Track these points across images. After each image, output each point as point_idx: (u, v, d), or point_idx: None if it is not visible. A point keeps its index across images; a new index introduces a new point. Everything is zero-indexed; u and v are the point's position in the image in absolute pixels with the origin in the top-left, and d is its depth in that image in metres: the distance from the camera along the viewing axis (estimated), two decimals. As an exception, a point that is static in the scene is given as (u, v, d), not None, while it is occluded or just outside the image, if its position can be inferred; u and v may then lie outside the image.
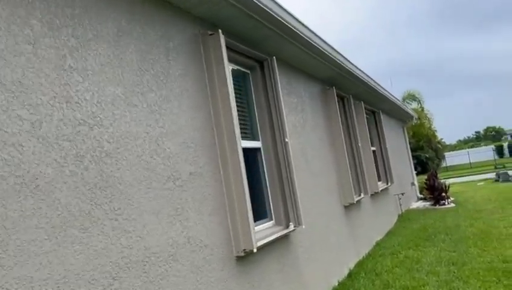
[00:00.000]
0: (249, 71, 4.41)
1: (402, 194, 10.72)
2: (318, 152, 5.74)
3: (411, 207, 12.75)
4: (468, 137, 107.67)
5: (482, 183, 21.07)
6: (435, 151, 44.93)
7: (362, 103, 8.38)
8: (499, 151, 47.99)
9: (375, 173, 8.24)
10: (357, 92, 8.23)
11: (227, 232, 3.26)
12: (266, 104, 4.39)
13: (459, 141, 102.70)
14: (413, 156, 40.94)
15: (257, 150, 4.31)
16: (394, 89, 19.70)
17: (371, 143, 9.94)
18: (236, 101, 4.26)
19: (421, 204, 13.32)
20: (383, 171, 9.99)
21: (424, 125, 18.42)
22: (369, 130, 9.99)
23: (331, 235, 5.55)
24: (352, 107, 7.48)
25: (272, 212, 4.27)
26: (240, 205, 3.27)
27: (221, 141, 3.36)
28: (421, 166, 41.59)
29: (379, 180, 9.68)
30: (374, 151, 9.90)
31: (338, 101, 7.32)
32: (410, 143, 39.75)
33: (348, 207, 6.46)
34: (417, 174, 37.25)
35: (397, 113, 13.22)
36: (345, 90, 7.53)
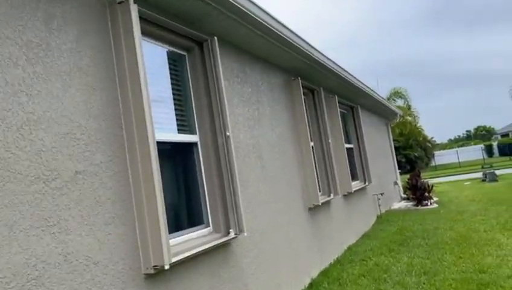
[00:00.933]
0: (185, 53, 3.80)
1: (381, 194, 10.20)
2: (277, 149, 5.16)
3: (393, 207, 12.25)
4: (459, 136, 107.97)
5: (468, 183, 20.68)
6: (424, 150, 44.70)
7: (336, 97, 7.81)
8: (489, 150, 47.81)
9: (349, 172, 7.69)
10: (331, 85, 7.66)
11: (134, 244, 2.66)
12: (206, 92, 3.79)
13: (450, 140, 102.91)
14: (402, 155, 40.88)
15: (193, 145, 3.71)
16: (384, 88, 19.21)
17: (348, 140, 9.40)
18: (172, 88, 3.68)
19: (403, 204, 12.83)
20: (360, 170, 9.45)
21: (407, 123, 17.90)
22: (346, 126, 9.45)
23: (289, 242, 4.98)
24: (323, 100, 6.90)
25: (210, 217, 3.68)
26: (151, 211, 2.67)
27: (130, 132, 2.75)
28: (409, 165, 41.38)
29: (355, 179, 9.14)
30: (350, 149, 9.36)
31: (306, 93, 6.74)
32: (399, 141, 39.73)
33: (313, 209, 5.89)
34: (405, 173, 37.01)
35: (380, 110, 12.69)
36: (315, 83, 6.95)
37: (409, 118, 18.06)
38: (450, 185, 20.25)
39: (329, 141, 6.80)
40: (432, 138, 55.67)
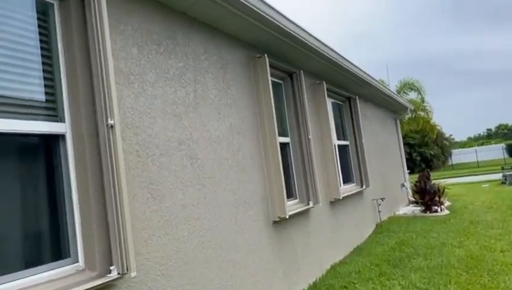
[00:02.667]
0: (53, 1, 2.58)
1: (382, 199, 8.85)
2: (225, 146, 3.91)
3: (397, 213, 10.88)
4: (479, 134, 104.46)
5: (486, 185, 19.06)
6: (441, 148, 42.88)
7: (324, 83, 6.49)
8: (510, 150, 45.42)
9: (337, 174, 6.39)
10: (316, 69, 6.36)
11: None
12: (84, 57, 2.56)
13: (470, 138, 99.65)
14: (417, 153, 39.12)
15: (58, 137, 2.49)
16: (397, 81, 17.59)
17: (344, 136, 8.08)
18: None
19: (410, 209, 11.43)
20: (357, 172, 8.12)
21: (419, 119, 16.30)
22: (341, 119, 8.12)
23: (234, 268, 3.74)
24: (303, 87, 5.61)
25: (80, 249, 2.46)
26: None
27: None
28: (425, 163, 39.64)
29: (349, 182, 7.82)
30: (345, 147, 8.04)
31: (280, 76, 5.46)
32: (414, 139, 37.96)
33: (280, 223, 4.64)
34: (420, 172, 35.44)
35: (386, 103, 11.28)
36: (294, 64, 5.66)
37: (422, 113, 16.48)
38: (466, 188, 18.67)
39: (309, 136, 5.51)
40: (451, 135, 53.56)
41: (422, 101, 16.54)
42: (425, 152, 39.44)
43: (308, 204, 5.41)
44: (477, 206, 11.25)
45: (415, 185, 10.98)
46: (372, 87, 8.63)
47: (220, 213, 3.65)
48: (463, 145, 68.98)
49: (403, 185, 12.36)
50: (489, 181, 20.86)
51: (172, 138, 3.22)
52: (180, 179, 3.22)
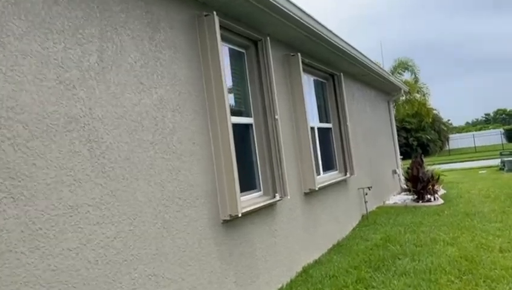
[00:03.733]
0: None
1: (369, 188, 8.01)
2: (151, 124, 3.02)
3: (387, 202, 10.06)
4: (477, 119, 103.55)
5: (484, 171, 18.28)
6: (438, 133, 42.00)
7: (299, 55, 5.56)
8: (509, 135, 44.52)
9: (313, 161, 5.51)
10: (290, 38, 5.43)
11: None
12: None
13: (468, 123, 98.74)
14: (413, 138, 38.27)
15: None
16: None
17: (325, 118, 7.19)
18: None
19: (402, 198, 10.63)
20: (340, 158, 7.25)
21: (414, 101, 15.31)
22: (324, 99, 7.23)
23: (146, 287, 2.89)
24: (270, 57, 4.68)
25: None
26: None
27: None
28: (421, 148, 38.79)
29: (330, 169, 6.96)
30: (327, 130, 7.15)
31: (239, 43, 4.54)
32: (411, 123, 37.05)
33: (232, 223, 3.78)
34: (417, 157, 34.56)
35: (378, 83, 10.35)
36: (259, 30, 4.74)
37: (417, 95, 15.50)
38: (463, 174, 17.89)
39: (276, 117, 4.62)
40: (448, 120, 52.58)
41: (415, 81, 15.50)
42: (422, 137, 38.58)
43: (274, 197, 4.56)
44: (473, 195, 10.45)
45: (407, 173, 10.14)
46: (359, 64, 7.70)
47: (138, 214, 2.78)
48: (460, 130, 68.14)
49: (394, 172, 11.53)
50: (486, 167, 20.08)
51: (55, 114, 2.32)
52: (67, 170, 2.34)
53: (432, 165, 19.58)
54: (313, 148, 5.95)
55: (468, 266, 4.68)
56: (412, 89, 14.89)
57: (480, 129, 65.32)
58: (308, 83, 6.49)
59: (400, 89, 12.05)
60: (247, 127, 4.58)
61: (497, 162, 20.21)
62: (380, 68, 9.01)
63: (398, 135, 37.67)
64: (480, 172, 18.26)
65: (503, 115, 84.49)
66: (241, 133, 4.55)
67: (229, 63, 4.51)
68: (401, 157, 13.22)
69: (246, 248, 3.99)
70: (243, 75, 4.64)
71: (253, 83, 4.65)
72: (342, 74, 7.37)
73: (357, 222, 7.61)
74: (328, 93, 7.34)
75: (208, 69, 3.71)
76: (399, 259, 5.20)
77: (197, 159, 3.46)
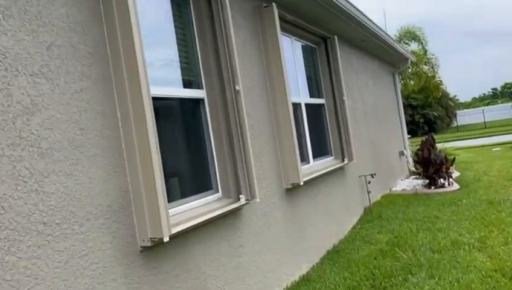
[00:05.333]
0: None
1: (372, 175, 6.69)
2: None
3: (394, 189, 8.76)
4: (484, 94, 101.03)
5: (498, 149, 16.88)
6: (445, 109, 40.30)
7: (275, 7, 4.16)
8: (518, 109, 42.77)
9: (296, 147, 4.16)
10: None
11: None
12: None
13: (475, 98, 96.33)
14: (420, 115, 36.72)
15: None
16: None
17: (317, 92, 5.85)
18: None
19: (411, 183, 9.31)
20: (336, 141, 5.92)
21: (422, 74, 13.78)
22: (314, 69, 5.87)
23: None
24: (228, 9, 3.30)
25: None
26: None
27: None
28: (428, 126, 37.24)
29: (324, 155, 5.65)
30: (319, 107, 5.82)
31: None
32: (417, 100, 35.44)
33: (158, 248, 2.49)
34: (423, 135, 33.08)
35: (381, 52, 8.93)
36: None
37: (425, 67, 13.98)
38: (475, 152, 16.50)
39: (237, 88, 3.28)
40: (455, 96, 50.57)
41: (425, 53, 13.93)
42: (428, 114, 37.00)
43: (238, 200, 3.26)
44: (492, 177, 9.10)
45: (417, 155, 8.79)
46: (357, 24, 6.28)
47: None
48: (468, 105, 66.25)
49: (402, 154, 10.19)
50: (500, 144, 18.66)
51: None
52: None
53: (441, 143, 18.30)
54: (298, 130, 4.63)
55: (509, 286, 3.40)
56: (419, 60, 13.37)
57: (488, 104, 63.45)
58: (291, 46, 5.12)
59: (407, 59, 10.60)
60: (196, 103, 3.25)
61: (510, 137, 18.80)
62: (383, 32, 7.59)
63: (404, 112, 36.28)
64: (493, 149, 16.86)
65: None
66: (186, 112, 3.24)
67: (170, 11, 3.18)
68: (409, 136, 11.85)
69: (186, 281, 2.71)
70: (186, 31, 3.30)
71: (204, 41, 3.31)
72: (336, 36, 5.96)
73: (358, 217, 6.32)
74: (320, 62, 5.96)
75: (111, 15, 2.36)
76: (412, 274, 3.92)
77: (90, 155, 2.15)
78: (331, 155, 5.89)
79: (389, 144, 9.40)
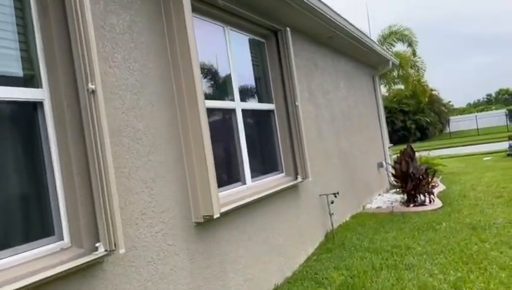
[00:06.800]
0: None
1: (335, 194, 5.68)
2: None
3: (369, 206, 7.75)
4: (478, 100, 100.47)
5: (489, 158, 15.94)
6: (438, 115, 39.40)
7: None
8: (513, 116, 41.94)
9: (210, 167, 3.15)
10: None
11: None
12: None
13: (469, 104, 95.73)
14: (411, 120, 35.85)
15: None
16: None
17: (266, 95, 4.87)
18: None
19: (389, 198, 8.33)
20: (288, 155, 4.91)
21: (408, 77, 12.78)
22: (263, 68, 4.90)
23: None
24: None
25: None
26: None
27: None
28: (420, 132, 36.33)
29: (268, 173, 4.64)
30: (266, 114, 4.83)
31: None
32: (408, 105, 34.55)
33: None
34: (416, 141, 32.01)
35: (356, 52, 7.95)
36: None
37: (411, 71, 12.99)
38: (466, 162, 15.57)
39: (91, 86, 2.26)
40: (449, 102, 49.69)
41: (414, 54, 12.94)
42: (420, 120, 36.07)
43: (96, 251, 2.24)
44: (480, 192, 8.14)
45: (394, 167, 7.80)
46: (317, 16, 5.29)
47: None
48: (462, 111, 65.51)
49: (381, 165, 9.20)
50: (492, 153, 17.74)
51: None
52: None
53: (430, 150, 17.35)
54: (230, 143, 3.64)
55: None
56: (404, 63, 12.40)
57: (482, 110, 62.78)
58: (224, 37, 4.11)
59: (388, 60, 9.63)
60: (33, 108, 2.23)
61: (503, 146, 17.88)
62: (354, 28, 6.60)
63: (395, 118, 35.25)
64: (485, 159, 15.94)
65: (506, 95, 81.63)
66: (24, 121, 2.22)
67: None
68: (391, 145, 10.86)
69: None
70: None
71: (48, 25, 2.30)
72: (288, 29, 4.97)
73: (316, 246, 5.31)
74: (269, 59, 4.96)
75: None
76: (359, 340, 2.91)
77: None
78: (281, 172, 4.88)
79: (366, 155, 8.41)
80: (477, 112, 56.40)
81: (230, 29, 4.20)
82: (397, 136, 34.14)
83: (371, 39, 8.09)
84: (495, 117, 41.09)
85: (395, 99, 32.14)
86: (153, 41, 2.98)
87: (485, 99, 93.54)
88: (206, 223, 3.23)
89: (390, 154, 10.34)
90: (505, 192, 7.89)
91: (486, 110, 56.88)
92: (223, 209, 3.27)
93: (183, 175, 3.09)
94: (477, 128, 35.83)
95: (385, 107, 33.82)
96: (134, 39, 2.81)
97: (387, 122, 34.76)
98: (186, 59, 3.09)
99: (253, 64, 4.88)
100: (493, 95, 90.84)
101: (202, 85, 3.16)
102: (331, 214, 5.61)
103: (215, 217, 3.09)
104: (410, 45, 12.84)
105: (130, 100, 2.68)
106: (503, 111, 42.69)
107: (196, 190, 3.11)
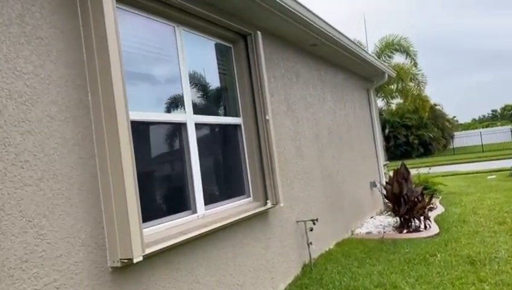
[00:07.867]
0: None
1: (314, 221, 5.00)
2: None
3: (359, 230, 7.05)
4: (484, 116, 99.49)
5: (493, 177, 15.17)
6: (441, 130, 38.57)
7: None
8: (518, 132, 41.03)
9: (133, 197, 2.51)
10: None
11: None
12: None
13: (474, 120, 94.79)
14: (414, 136, 35.07)
15: None
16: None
17: (234, 108, 4.25)
18: None
19: (382, 222, 7.63)
20: (257, 177, 4.25)
21: (408, 91, 12.11)
22: (229, 75, 4.28)
23: None
24: None
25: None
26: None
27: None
28: (423, 147, 35.49)
29: (231, 197, 3.97)
30: (232, 128, 4.19)
31: None
32: (411, 119, 33.80)
33: None
34: (419, 157, 31.08)
35: (345, 61, 7.33)
36: None
37: (411, 84, 12.35)
38: (468, 180, 14.81)
39: None
40: (454, 117, 48.87)
41: (415, 65, 12.27)
42: (423, 135, 35.27)
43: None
44: (481, 217, 7.42)
45: (385, 189, 7.10)
46: (294, 19, 4.67)
47: None
48: (467, 127, 64.65)
49: (374, 185, 8.51)
50: (496, 171, 16.97)
51: None
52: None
53: (432, 166, 16.58)
54: (178, 162, 3.00)
55: None
56: (404, 76, 11.76)
57: (487, 126, 61.90)
58: (174, 38, 3.49)
59: (384, 72, 9.01)
60: None
61: (508, 163, 17.13)
62: (342, 35, 5.99)
63: (398, 133, 34.40)
64: (488, 177, 15.17)
65: (511, 111, 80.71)
66: None
67: None
68: (387, 162, 10.17)
69: None
70: None
71: None
72: (259, 33, 4.35)
73: (290, 280, 4.60)
74: (236, 67, 4.34)
75: None
76: None
77: None
78: (248, 196, 4.22)
79: (357, 174, 7.73)
80: (482, 127, 55.53)
81: (183, 30, 3.58)
82: (400, 151, 33.34)
83: (363, 49, 7.47)
84: (500, 133, 40.22)
85: (396, 113, 31.42)
86: (58, 38, 2.36)
87: (490, 115, 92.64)
88: (131, 267, 2.57)
89: (385, 172, 9.65)
90: (508, 217, 7.17)
91: (491, 126, 56.00)
92: (154, 249, 2.62)
93: (96, 207, 2.44)
94: (482, 145, 34.96)
95: (387, 121, 32.88)
96: (28, 33, 2.20)
97: (390, 137, 33.86)
98: (104, 60, 2.47)
99: (219, 73, 4.27)
100: (498, 110, 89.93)
101: (125, 92, 2.53)
102: (309, 244, 4.93)
103: (135, 260, 2.43)
104: (408, 55, 12.20)
105: (13, 112, 2.06)
106: (508, 128, 41.84)
107: (114, 225, 2.46)
